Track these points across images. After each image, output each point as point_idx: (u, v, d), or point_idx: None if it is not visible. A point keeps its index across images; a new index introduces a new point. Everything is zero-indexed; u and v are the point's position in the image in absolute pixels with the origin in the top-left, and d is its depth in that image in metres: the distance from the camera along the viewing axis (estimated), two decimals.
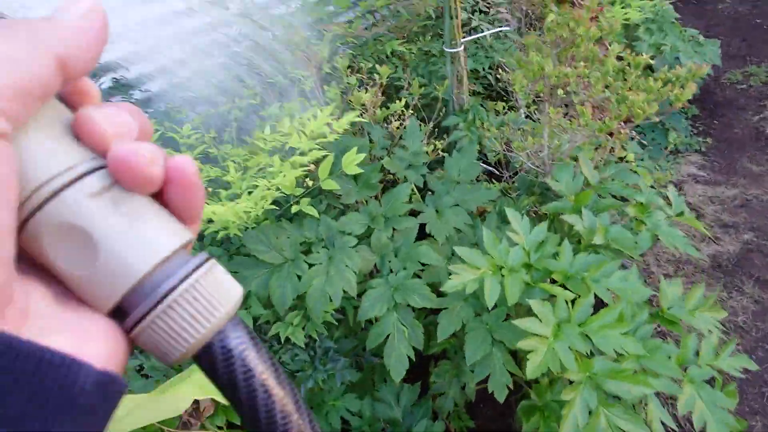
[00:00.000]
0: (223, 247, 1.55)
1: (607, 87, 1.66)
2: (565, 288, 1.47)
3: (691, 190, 3.24)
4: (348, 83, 1.81)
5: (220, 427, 1.50)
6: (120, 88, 2.36)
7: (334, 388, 1.53)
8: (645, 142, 3.41)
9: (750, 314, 2.39)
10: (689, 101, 4.05)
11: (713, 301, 1.62)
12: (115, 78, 2.41)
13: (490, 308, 1.34)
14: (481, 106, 2.41)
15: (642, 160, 3.00)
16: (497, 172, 2.26)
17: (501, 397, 1.41)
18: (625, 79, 1.59)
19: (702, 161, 3.52)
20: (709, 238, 2.85)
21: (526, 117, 2.27)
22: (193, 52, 2.27)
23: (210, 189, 1.58)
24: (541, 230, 1.59)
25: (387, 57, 2.25)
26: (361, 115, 1.84)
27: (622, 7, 3.37)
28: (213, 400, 1.48)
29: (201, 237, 1.56)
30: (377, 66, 1.75)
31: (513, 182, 2.12)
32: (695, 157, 3.55)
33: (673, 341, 2.07)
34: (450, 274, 1.39)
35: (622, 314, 1.46)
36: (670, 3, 3.67)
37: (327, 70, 1.67)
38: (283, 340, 1.41)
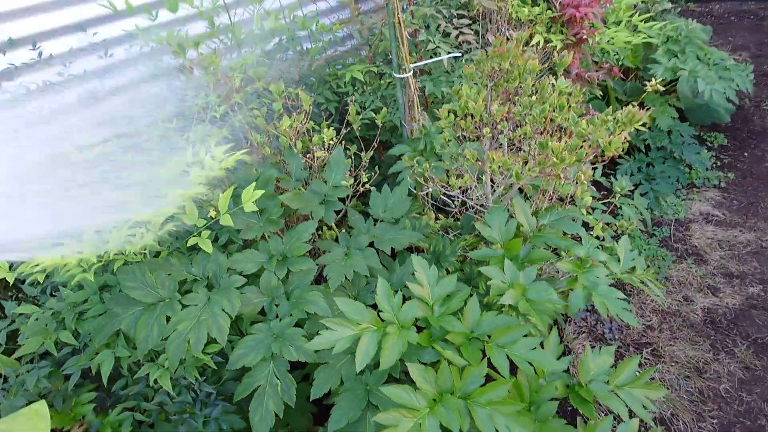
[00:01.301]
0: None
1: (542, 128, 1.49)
2: (459, 352, 1.32)
3: (699, 231, 2.92)
4: (274, 110, 1.73)
5: None
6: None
7: None
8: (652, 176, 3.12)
9: (736, 382, 2.11)
10: (714, 127, 3.68)
11: (648, 378, 1.42)
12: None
13: (358, 371, 1.21)
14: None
15: (632, 194, 2.73)
16: (449, 206, 2.11)
17: None
18: (552, 120, 1.42)
19: (720, 198, 3.18)
20: (708, 287, 2.55)
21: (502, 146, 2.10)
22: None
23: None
24: (450, 282, 1.44)
25: (343, 83, 2.16)
26: (290, 143, 1.76)
27: (632, 29, 3.10)
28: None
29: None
30: (300, 93, 1.66)
31: (457, 220, 1.97)
32: (712, 193, 3.21)
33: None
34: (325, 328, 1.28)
35: (519, 387, 1.30)
36: (725, 17, 3.33)
37: (238, 100, 1.60)
38: (151, 382, 1.34)
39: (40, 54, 2.22)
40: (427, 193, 2.04)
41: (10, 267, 1.26)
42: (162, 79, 1.75)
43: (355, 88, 2.24)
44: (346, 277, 1.47)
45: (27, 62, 2.22)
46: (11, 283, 1.50)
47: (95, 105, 2.31)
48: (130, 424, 1.37)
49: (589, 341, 2.33)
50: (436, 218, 2.01)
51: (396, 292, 1.37)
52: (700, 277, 2.61)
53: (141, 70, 2.42)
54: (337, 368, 1.34)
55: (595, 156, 1.44)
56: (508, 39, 2.39)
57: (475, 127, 1.54)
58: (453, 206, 2.14)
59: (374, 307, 1.54)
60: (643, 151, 3.28)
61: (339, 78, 2.24)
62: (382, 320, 1.31)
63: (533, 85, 1.57)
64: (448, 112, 1.55)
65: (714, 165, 3.43)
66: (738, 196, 3.18)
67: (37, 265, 1.22)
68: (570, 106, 1.43)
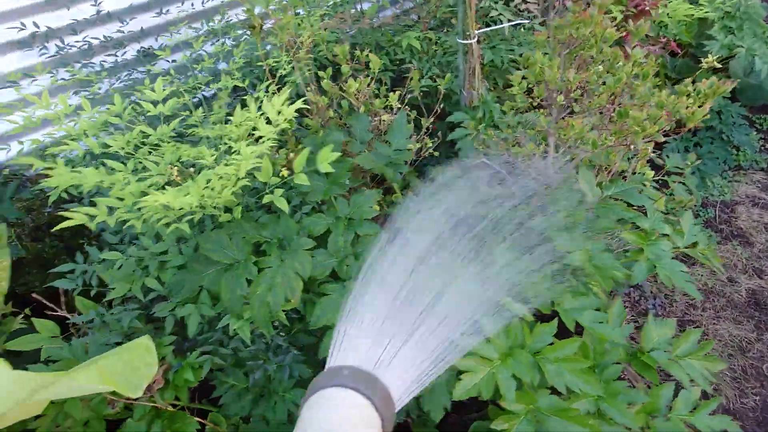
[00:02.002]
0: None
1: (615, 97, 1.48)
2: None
3: (745, 213, 2.89)
4: (343, 72, 1.74)
5: (173, 404, 1.55)
6: (143, 59, 2.43)
7: (284, 381, 1.53)
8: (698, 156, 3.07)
9: None
10: (765, 109, 3.58)
11: (709, 349, 1.45)
12: (141, 48, 2.48)
13: None
14: (500, 101, 2.26)
15: (681, 174, 2.69)
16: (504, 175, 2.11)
17: (437, 417, 1.34)
18: (634, 90, 1.41)
19: (767, 181, 3.13)
20: (753, 269, 2.54)
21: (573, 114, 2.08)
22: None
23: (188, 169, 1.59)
24: None
25: (401, 49, 2.15)
26: (353, 106, 1.78)
27: (690, 2, 3.01)
28: (164, 374, 1.53)
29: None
30: (370, 55, 1.66)
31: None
32: (759, 176, 3.15)
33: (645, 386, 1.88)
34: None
35: (585, 348, 1.33)
36: None
37: (304, 58, 1.61)
38: (231, 333, 1.41)
39: (99, 11, 2.25)
40: (483, 162, 2.04)
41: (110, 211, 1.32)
42: (224, 37, 1.76)
43: (412, 54, 2.23)
44: None
45: (88, 18, 2.25)
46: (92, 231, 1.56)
47: (156, 61, 2.34)
48: (209, 366, 1.45)
49: (632, 316, 2.36)
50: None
51: None
52: (745, 259, 2.60)
53: (197, 28, 2.44)
54: None
55: (672, 128, 1.44)
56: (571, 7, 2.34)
57: (547, 95, 1.54)
58: (508, 175, 2.14)
59: None
60: (691, 130, 3.22)
61: (396, 45, 2.23)
62: None
63: (605, 54, 1.55)
64: (522, 78, 1.55)
65: (762, 147, 3.36)
66: None
67: (139, 210, 1.28)
68: (644, 75, 1.42)
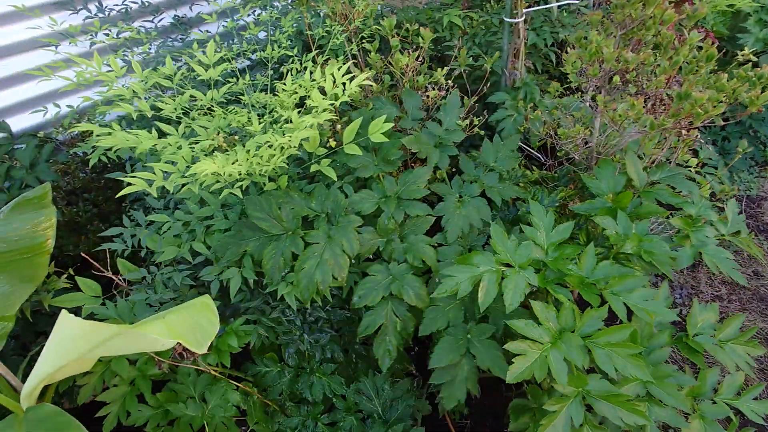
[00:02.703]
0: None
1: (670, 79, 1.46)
2: (580, 296, 1.36)
3: None
4: (393, 45, 1.72)
5: (213, 369, 1.56)
6: (179, 26, 2.40)
7: (317, 359, 1.53)
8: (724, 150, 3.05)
9: None
10: None
11: (751, 335, 1.45)
12: (176, 15, 2.45)
13: (482, 310, 1.26)
14: (538, 85, 2.24)
15: (715, 167, 2.69)
16: (541, 159, 2.10)
17: (449, 405, 1.34)
18: (695, 72, 1.39)
19: None
20: None
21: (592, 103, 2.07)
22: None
23: (235, 136, 1.58)
24: (566, 228, 1.46)
25: (441, 26, 2.12)
26: (398, 80, 1.76)
27: None
28: None
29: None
30: (421, 29, 1.64)
31: (555, 172, 1.97)
32: None
33: (692, 372, 1.89)
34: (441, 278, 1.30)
35: (635, 334, 1.33)
36: None
37: (359, 24, 1.58)
38: (278, 297, 1.41)
39: None
40: (521, 143, 2.03)
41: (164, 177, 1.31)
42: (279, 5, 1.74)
43: (452, 32, 2.20)
44: (463, 231, 1.51)
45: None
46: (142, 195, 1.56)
47: (191, 28, 2.31)
48: (255, 336, 1.45)
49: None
50: (529, 169, 2.02)
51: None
52: None
53: None
54: (445, 311, 1.39)
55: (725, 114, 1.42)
56: None
57: (602, 75, 1.52)
58: (543, 159, 2.14)
59: None
60: (721, 124, 3.19)
61: (437, 22, 2.20)
62: (501, 264, 1.34)
63: (663, 36, 1.53)
64: (576, 58, 1.53)
65: None
66: None
67: (192, 175, 1.27)
68: (709, 57, 1.40)
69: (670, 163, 1.84)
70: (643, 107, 1.51)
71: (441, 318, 1.43)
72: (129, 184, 1.25)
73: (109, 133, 1.30)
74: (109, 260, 1.62)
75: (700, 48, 1.55)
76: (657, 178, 1.64)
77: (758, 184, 3.04)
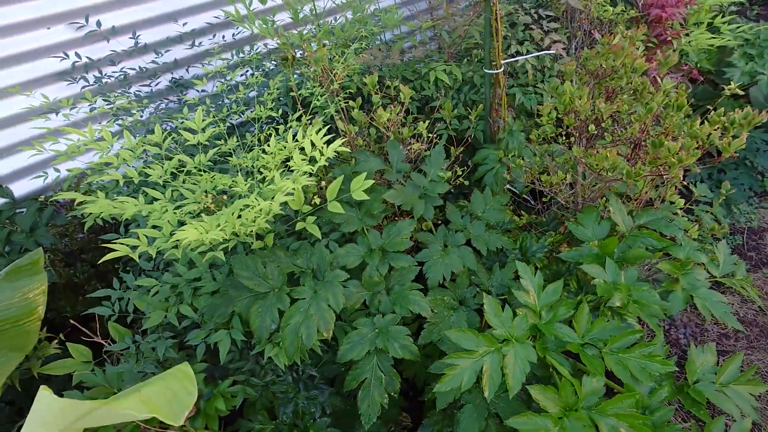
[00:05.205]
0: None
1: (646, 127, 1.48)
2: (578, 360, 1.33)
3: None
4: (373, 102, 1.78)
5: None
6: (175, 88, 2.50)
7: (316, 419, 1.51)
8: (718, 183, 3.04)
9: None
10: None
11: (752, 374, 1.41)
12: (173, 78, 2.56)
13: (488, 400, 1.24)
14: (524, 130, 2.28)
15: (710, 203, 2.67)
16: (531, 202, 2.12)
17: None
18: (669, 118, 1.41)
19: None
20: None
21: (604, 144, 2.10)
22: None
23: (222, 196, 1.62)
24: (556, 290, 1.44)
25: (427, 83, 2.19)
26: (383, 135, 1.81)
27: (710, 31, 3.03)
28: (196, 403, 1.53)
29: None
30: (400, 86, 1.70)
31: (543, 216, 1.97)
32: None
33: (696, 423, 1.83)
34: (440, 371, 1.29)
35: (640, 401, 1.29)
36: None
37: (336, 88, 1.65)
38: (265, 360, 1.41)
39: (136, 43, 2.34)
40: (507, 189, 2.05)
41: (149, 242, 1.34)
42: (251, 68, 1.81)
43: (438, 88, 2.26)
44: (445, 278, 1.51)
45: (126, 50, 2.33)
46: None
47: (188, 91, 2.41)
48: (242, 397, 1.44)
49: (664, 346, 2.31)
50: (517, 213, 2.03)
51: (499, 297, 1.39)
52: None
53: (227, 59, 2.51)
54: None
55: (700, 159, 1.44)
56: (592, 40, 2.38)
57: (578, 125, 1.55)
58: (532, 203, 2.15)
59: (479, 312, 1.56)
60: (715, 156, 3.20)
61: (423, 78, 2.27)
62: (496, 339, 1.32)
63: (635, 84, 1.56)
64: (551, 109, 1.57)
65: None
66: None
67: (176, 241, 1.30)
68: (678, 106, 1.43)
69: (662, 201, 1.84)
70: (622, 155, 1.54)
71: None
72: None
73: (94, 200, 1.35)
74: (100, 323, 1.63)
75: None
76: (643, 222, 1.64)
77: (759, 215, 3.01)
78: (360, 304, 1.51)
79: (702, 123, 1.37)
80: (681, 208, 1.82)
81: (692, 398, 1.37)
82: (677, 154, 1.29)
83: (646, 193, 1.79)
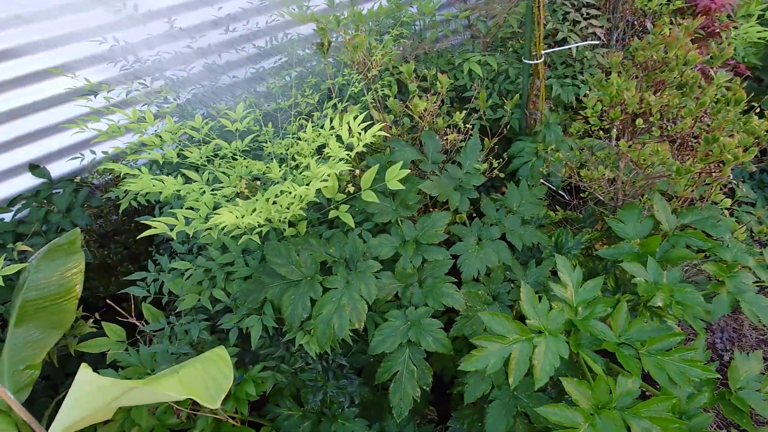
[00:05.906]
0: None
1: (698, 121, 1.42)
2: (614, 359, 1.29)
3: None
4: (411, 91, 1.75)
5: (231, 416, 1.55)
6: (208, 74, 2.51)
7: (345, 407, 1.50)
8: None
9: None
10: None
11: None
12: (206, 63, 2.56)
13: (512, 388, 1.22)
14: (562, 123, 2.22)
15: (753, 204, 2.57)
16: (565, 198, 2.06)
17: None
18: (723, 113, 1.35)
19: None
20: None
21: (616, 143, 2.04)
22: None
23: (256, 182, 1.62)
24: (596, 286, 1.40)
25: (461, 74, 2.15)
26: (417, 124, 1.78)
27: (761, 24, 2.90)
28: None
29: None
30: (438, 75, 1.66)
31: (579, 212, 1.92)
32: None
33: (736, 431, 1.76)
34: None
35: (676, 405, 1.25)
36: None
37: (375, 74, 1.62)
38: (296, 347, 1.41)
39: (172, 27, 2.35)
40: (543, 183, 2.00)
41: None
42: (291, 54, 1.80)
43: (471, 79, 2.22)
44: (479, 272, 1.48)
45: (161, 34, 2.34)
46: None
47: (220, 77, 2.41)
48: (272, 383, 1.44)
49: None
50: (552, 209, 1.98)
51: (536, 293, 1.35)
52: None
53: (261, 46, 2.51)
54: (486, 376, 1.35)
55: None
56: (639, 31, 2.29)
57: (624, 118, 1.50)
58: (566, 198, 2.09)
59: (512, 309, 1.54)
60: (758, 155, 3.08)
61: (456, 68, 2.23)
62: (529, 329, 1.29)
63: (686, 77, 1.50)
64: (596, 102, 1.51)
65: None
66: None
67: (213, 224, 1.30)
68: (736, 101, 1.36)
69: (703, 200, 1.77)
70: (669, 150, 1.47)
71: (485, 382, 1.38)
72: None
73: (137, 177, 1.35)
74: (134, 303, 1.65)
75: (729, 88, 1.51)
76: (688, 221, 1.58)
77: None
78: (392, 295, 1.49)
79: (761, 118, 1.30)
80: (727, 209, 1.74)
81: (734, 406, 1.32)
82: (733, 150, 1.23)
83: (692, 191, 1.72)
